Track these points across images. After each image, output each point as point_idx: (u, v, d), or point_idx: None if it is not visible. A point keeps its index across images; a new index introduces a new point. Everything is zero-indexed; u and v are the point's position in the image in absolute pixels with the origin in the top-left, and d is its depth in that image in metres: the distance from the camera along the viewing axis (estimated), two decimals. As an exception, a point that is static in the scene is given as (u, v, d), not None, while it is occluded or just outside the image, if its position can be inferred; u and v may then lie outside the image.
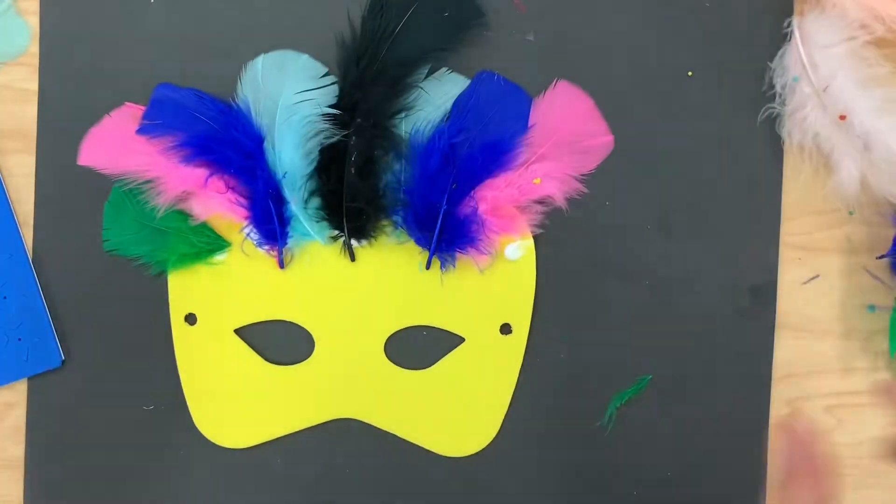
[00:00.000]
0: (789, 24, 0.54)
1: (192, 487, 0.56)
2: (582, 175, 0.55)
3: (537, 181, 0.54)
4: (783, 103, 0.55)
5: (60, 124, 0.55)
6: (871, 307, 0.57)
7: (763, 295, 0.56)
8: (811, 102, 0.54)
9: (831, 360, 0.57)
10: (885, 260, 0.56)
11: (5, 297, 0.55)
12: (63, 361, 0.55)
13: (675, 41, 0.56)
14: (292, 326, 0.56)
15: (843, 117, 0.53)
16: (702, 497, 0.56)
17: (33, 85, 0.56)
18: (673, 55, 0.56)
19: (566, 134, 0.55)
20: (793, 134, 0.55)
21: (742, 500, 0.56)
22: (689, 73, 0.55)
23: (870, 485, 0.57)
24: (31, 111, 0.56)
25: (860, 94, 0.53)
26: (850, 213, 0.56)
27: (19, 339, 0.55)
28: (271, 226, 0.54)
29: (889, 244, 0.56)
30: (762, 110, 0.55)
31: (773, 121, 0.55)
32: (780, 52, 0.54)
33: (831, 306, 0.57)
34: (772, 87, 0.55)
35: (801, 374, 0.57)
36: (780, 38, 0.55)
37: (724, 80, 0.56)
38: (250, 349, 0.55)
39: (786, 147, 0.55)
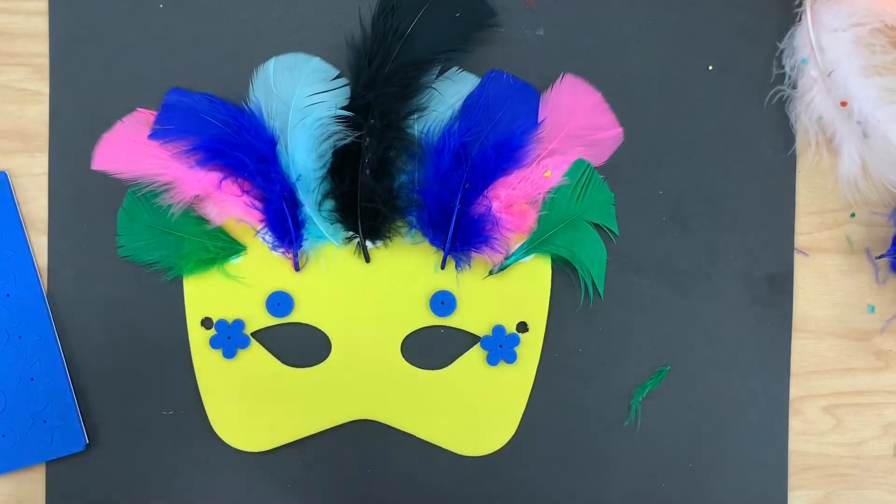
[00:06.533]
0: (801, 4, 0.55)
1: (212, 491, 0.56)
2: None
3: (548, 174, 0.55)
4: (792, 86, 0.55)
5: (72, 130, 0.55)
6: (871, 307, 0.58)
7: (780, 284, 0.56)
8: (817, 86, 0.54)
9: (831, 360, 0.57)
10: (885, 259, 0.57)
11: (32, 379, 0.55)
12: (87, 445, 0.55)
13: (685, 32, 0.56)
14: (308, 329, 0.55)
15: (844, 103, 0.54)
16: (726, 486, 0.56)
17: (33, 85, 0.56)
18: (683, 46, 0.56)
19: (575, 127, 0.55)
20: (801, 117, 0.55)
21: (766, 487, 0.57)
22: (710, 68, 0.56)
23: (870, 485, 0.58)
24: (31, 111, 0.56)
25: (862, 82, 0.54)
26: (852, 216, 0.57)
27: (44, 422, 0.55)
28: (286, 228, 0.54)
29: (889, 244, 0.56)
30: (771, 92, 0.56)
31: (785, 107, 0.56)
32: (789, 32, 0.55)
33: (831, 306, 0.57)
34: (781, 67, 0.56)
35: (800, 374, 0.57)
36: (791, 22, 0.55)
37: (735, 70, 0.56)
38: (267, 352, 0.55)
39: (796, 133, 0.56)
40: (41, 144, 0.56)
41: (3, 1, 0.56)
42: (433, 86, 0.54)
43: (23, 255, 0.55)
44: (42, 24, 0.56)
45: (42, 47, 0.56)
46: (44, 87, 0.56)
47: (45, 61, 0.56)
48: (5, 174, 0.55)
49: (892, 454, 0.57)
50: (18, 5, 0.56)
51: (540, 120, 0.55)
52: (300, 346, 0.56)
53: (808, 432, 0.57)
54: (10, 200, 0.55)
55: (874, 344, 0.57)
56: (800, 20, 0.55)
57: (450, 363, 0.56)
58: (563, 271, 0.56)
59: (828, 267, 0.57)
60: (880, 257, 0.57)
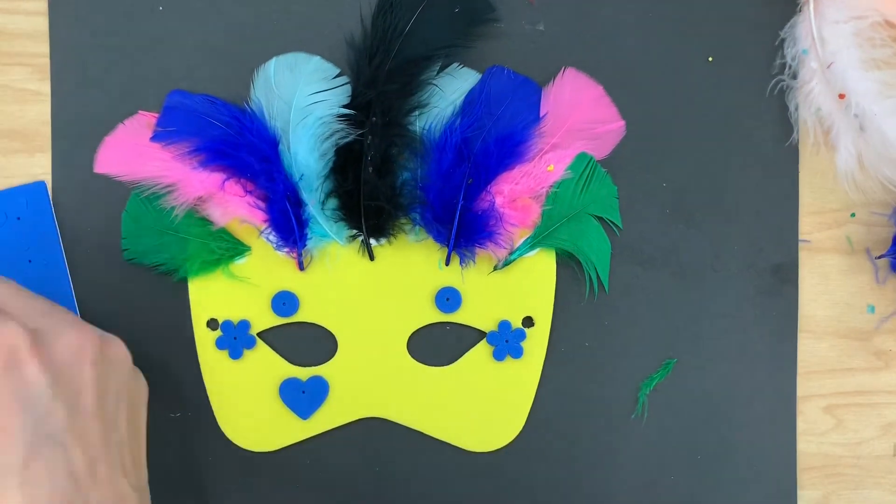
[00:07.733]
0: None
1: (220, 493, 0.56)
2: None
3: (551, 168, 0.55)
4: (793, 76, 0.55)
5: (73, 133, 0.55)
6: (871, 307, 0.57)
7: (785, 273, 0.57)
8: (817, 77, 0.54)
9: (831, 360, 0.57)
10: (885, 259, 0.57)
11: None
12: None
13: (685, 23, 0.56)
14: (314, 328, 0.55)
15: (842, 96, 0.54)
16: (735, 478, 0.57)
17: (33, 85, 0.55)
18: (683, 37, 0.56)
19: (577, 121, 0.55)
20: (800, 108, 0.55)
21: (776, 478, 0.57)
22: (710, 59, 0.56)
23: (870, 485, 0.58)
24: (31, 111, 0.55)
25: (861, 75, 0.54)
26: (852, 216, 0.57)
27: None
28: (290, 228, 0.54)
29: (889, 244, 0.56)
30: (772, 82, 0.56)
31: (785, 98, 0.56)
32: (791, 22, 0.55)
33: (831, 306, 0.57)
34: (782, 56, 0.55)
35: (800, 374, 0.57)
36: (793, 11, 0.55)
37: (737, 62, 0.56)
38: (274, 352, 0.55)
39: (796, 122, 0.56)
40: (41, 145, 0.55)
41: (3, 1, 0.56)
42: (434, 82, 0.54)
43: (58, 271, 0.54)
44: (42, 24, 0.55)
45: (42, 47, 0.55)
46: (44, 87, 0.55)
47: (46, 61, 0.55)
48: (43, 184, 0.55)
49: (892, 454, 0.58)
50: (18, 5, 0.56)
51: (542, 114, 0.55)
52: (306, 345, 0.56)
53: (808, 432, 0.57)
54: (48, 212, 0.54)
55: (874, 344, 0.57)
56: (801, 10, 0.55)
57: (456, 359, 0.56)
58: (568, 265, 0.56)
59: (828, 267, 0.57)
60: (880, 257, 0.57)
